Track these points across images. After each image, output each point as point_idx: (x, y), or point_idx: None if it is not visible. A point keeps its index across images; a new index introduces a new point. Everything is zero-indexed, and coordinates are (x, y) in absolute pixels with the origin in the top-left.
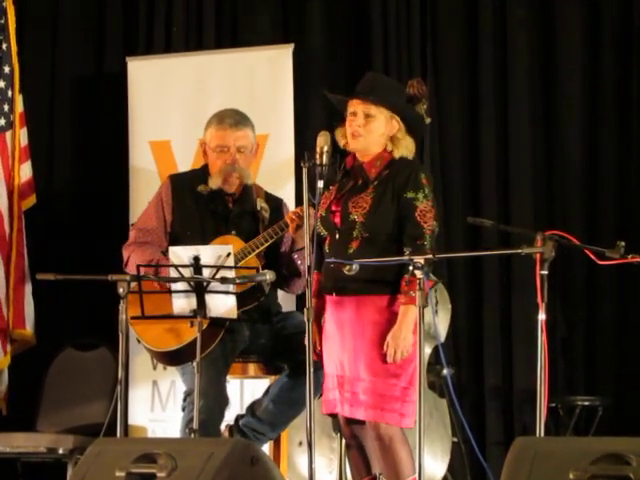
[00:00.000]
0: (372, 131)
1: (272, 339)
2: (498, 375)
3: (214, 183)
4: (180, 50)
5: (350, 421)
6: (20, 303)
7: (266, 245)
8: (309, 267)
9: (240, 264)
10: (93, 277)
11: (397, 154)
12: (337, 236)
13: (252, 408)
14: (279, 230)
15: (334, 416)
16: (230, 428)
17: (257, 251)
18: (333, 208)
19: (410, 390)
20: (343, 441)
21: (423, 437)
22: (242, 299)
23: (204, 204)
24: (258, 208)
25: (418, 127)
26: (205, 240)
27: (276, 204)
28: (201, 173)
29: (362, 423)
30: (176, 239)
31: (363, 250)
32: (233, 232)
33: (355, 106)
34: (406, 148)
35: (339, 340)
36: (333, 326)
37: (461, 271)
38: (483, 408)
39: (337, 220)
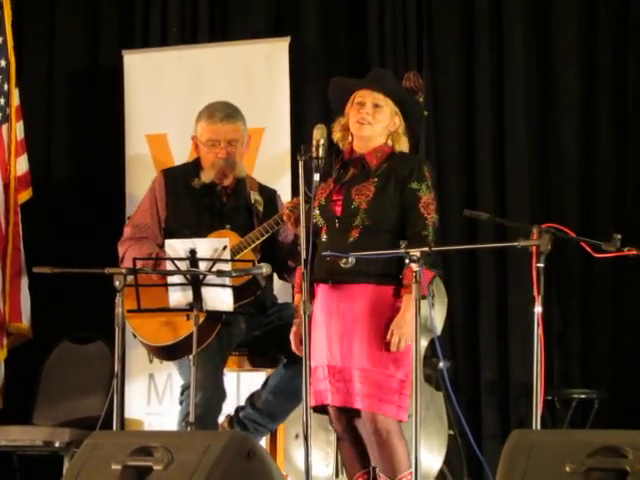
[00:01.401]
0: (379, 121)
1: (266, 331)
2: (494, 368)
3: (207, 177)
4: (176, 44)
5: (343, 413)
6: (16, 297)
7: (261, 240)
8: (305, 260)
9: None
10: (90, 270)
11: (397, 148)
12: (337, 225)
13: (251, 400)
14: (274, 224)
15: (323, 410)
16: (230, 419)
17: (252, 246)
18: (334, 197)
19: (407, 383)
20: None
21: (420, 430)
22: (238, 293)
23: (198, 199)
24: (252, 201)
25: (417, 123)
26: (200, 236)
27: (269, 195)
28: (193, 167)
29: (357, 415)
30: (171, 235)
31: (363, 240)
32: (227, 226)
33: (363, 96)
34: (404, 144)
35: (330, 329)
36: (322, 315)
37: (457, 264)
38: (479, 401)
39: (337, 209)
